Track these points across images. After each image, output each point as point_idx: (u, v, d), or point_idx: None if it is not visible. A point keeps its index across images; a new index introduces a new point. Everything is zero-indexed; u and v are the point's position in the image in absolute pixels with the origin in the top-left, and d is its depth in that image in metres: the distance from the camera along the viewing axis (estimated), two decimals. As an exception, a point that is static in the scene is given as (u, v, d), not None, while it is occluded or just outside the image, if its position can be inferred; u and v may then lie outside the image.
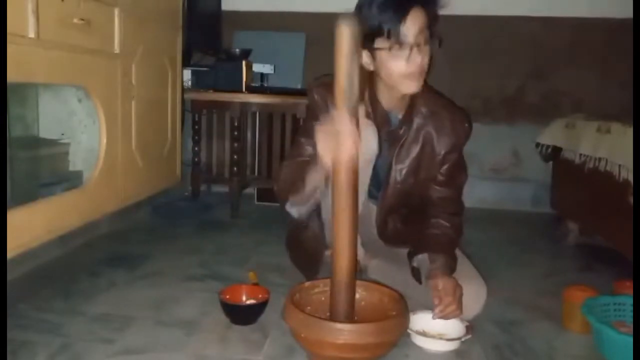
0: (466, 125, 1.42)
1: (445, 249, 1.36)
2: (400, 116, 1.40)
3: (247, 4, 2.90)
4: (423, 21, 1.25)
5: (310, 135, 1.35)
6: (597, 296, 1.31)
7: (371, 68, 1.31)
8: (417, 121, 1.40)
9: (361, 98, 1.29)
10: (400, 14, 1.23)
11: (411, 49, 1.24)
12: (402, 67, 1.27)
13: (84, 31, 1.52)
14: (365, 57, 1.29)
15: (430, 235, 1.39)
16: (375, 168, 1.39)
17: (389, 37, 1.24)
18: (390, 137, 1.40)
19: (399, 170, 1.41)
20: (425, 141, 1.40)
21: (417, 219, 1.46)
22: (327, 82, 1.34)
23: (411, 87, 1.30)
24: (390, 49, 1.25)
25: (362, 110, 1.32)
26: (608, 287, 1.49)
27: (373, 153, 1.33)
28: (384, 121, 1.38)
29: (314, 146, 1.34)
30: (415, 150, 1.41)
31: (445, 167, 1.42)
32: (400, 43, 1.24)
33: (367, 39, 1.26)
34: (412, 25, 1.23)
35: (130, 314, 1.33)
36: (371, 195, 1.48)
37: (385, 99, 1.37)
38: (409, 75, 1.28)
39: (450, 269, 1.33)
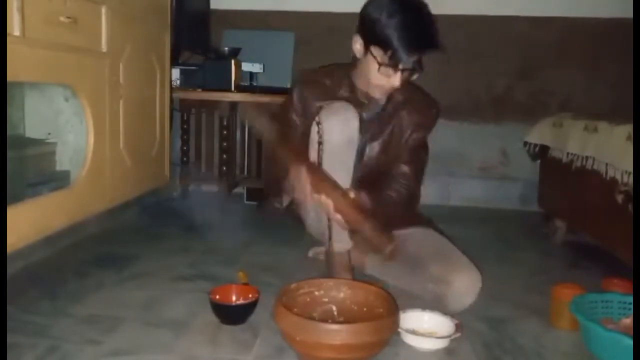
0: (434, 110, 1.58)
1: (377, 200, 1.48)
2: (382, 103, 1.52)
3: (236, 3, 2.89)
4: (420, 57, 1.37)
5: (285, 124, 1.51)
6: (584, 294, 1.33)
7: (358, 56, 1.42)
8: (391, 106, 1.53)
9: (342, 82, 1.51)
10: (411, 52, 1.33)
11: (396, 71, 1.36)
12: (380, 80, 1.40)
13: (71, 29, 1.50)
14: (358, 45, 1.40)
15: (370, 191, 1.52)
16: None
17: (388, 56, 1.34)
18: (369, 119, 1.52)
19: (372, 148, 1.54)
20: (395, 122, 1.54)
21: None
22: (312, 80, 1.52)
23: (378, 94, 1.46)
24: (381, 64, 1.36)
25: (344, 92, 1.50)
26: (596, 285, 1.51)
27: (354, 133, 1.41)
28: (369, 103, 1.50)
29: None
30: (387, 130, 1.54)
31: (409, 145, 1.55)
32: (392, 67, 1.35)
33: (368, 33, 1.37)
34: (411, 59, 1.35)
35: (118, 315, 1.32)
36: None
37: (364, 87, 1.47)
38: (382, 87, 1.42)
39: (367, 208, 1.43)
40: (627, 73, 2.52)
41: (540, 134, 2.28)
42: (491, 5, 2.81)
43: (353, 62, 1.47)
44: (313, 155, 1.42)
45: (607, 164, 1.71)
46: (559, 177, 2.14)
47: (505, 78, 2.89)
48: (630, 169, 1.55)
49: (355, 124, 1.40)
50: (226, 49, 2.52)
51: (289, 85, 2.80)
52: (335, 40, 2.88)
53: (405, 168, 1.55)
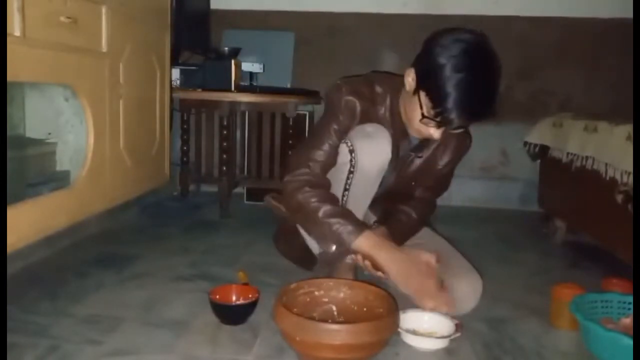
0: (468, 141, 1.50)
1: (400, 236, 1.43)
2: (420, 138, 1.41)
3: (237, 3, 2.89)
4: None
5: (325, 136, 1.36)
6: (584, 294, 1.33)
7: (407, 89, 1.30)
8: (431, 141, 1.42)
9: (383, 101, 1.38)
10: (464, 119, 1.21)
11: (439, 127, 1.26)
12: (420, 126, 1.29)
13: (71, 29, 1.50)
14: (411, 79, 1.28)
15: (397, 219, 1.47)
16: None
17: (435, 111, 1.22)
18: (406, 150, 1.43)
19: (402, 177, 1.47)
20: (431, 154, 1.46)
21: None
22: (358, 90, 1.36)
23: (414, 134, 1.36)
24: (424, 116, 1.24)
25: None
26: (595, 285, 1.51)
27: (387, 161, 1.35)
28: (403, 136, 1.40)
29: (330, 147, 1.36)
30: (421, 160, 1.46)
31: (439, 175, 1.50)
32: (437, 125, 1.25)
33: (424, 75, 1.23)
34: (460, 123, 1.23)
35: (119, 315, 1.32)
36: None
37: (405, 119, 1.38)
38: (419, 132, 1.32)
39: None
40: (627, 73, 2.53)
41: (540, 134, 2.28)
42: (491, 5, 2.81)
43: (399, 84, 1.34)
44: (340, 180, 1.37)
45: (607, 164, 1.71)
46: (559, 177, 2.14)
47: (505, 78, 2.85)
48: (630, 169, 1.55)
49: (389, 151, 1.33)
50: (226, 49, 2.52)
51: (289, 85, 2.81)
52: (335, 40, 2.89)
53: (429, 193, 1.54)
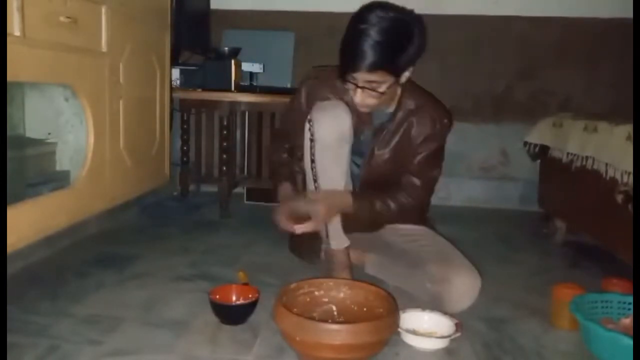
0: (445, 120, 1.50)
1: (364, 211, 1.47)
2: (390, 110, 1.48)
3: (237, 3, 2.89)
4: (376, 75, 1.31)
5: (287, 126, 1.56)
6: (584, 294, 1.33)
7: None
8: (401, 113, 1.48)
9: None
10: (351, 69, 1.31)
11: (355, 89, 1.34)
12: (352, 97, 1.38)
13: (71, 29, 1.50)
14: None
15: (369, 200, 1.49)
16: (359, 154, 1.51)
17: (340, 72, 1.35)
18: (378, 126, 1.50)
19: (381, 155, 1.50)
20: (405, 131, 1.49)
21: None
22: (320, 76, 1.51)
23: (360, 108, 1.41)
24: (338, 78, 1.38)
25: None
26: (596, 285, 1.51)
27: (346, 129, 1.40)
28: (368, 118, 1.48)
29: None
30: (396, 138, 1.49)
31: (419, 157, 1.49)
32: (346, 82, 1.35)
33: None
34: (360, 76, 1.31)
35: (119, 315, 1.32)
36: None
37: None
38: (356, 103, 1.39)
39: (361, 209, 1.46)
40: (627, 73, 2.52)
41: (540, 134, 2.28)
42: (491, 5, 2.81)
43: None
44: (307, 153, 1.43)
45: (607, 164, 1.71)
46: (559, 177, 2.14)
47: (505, 78, 2.89)
48: (630, 169, 1.55)
49: (346, 120, 1.39)
50: (226, 49, 2.52)
51: (289, 85, 2.80)
52: (335, 40, 2.85)
53: (414, 180, 1.50)
